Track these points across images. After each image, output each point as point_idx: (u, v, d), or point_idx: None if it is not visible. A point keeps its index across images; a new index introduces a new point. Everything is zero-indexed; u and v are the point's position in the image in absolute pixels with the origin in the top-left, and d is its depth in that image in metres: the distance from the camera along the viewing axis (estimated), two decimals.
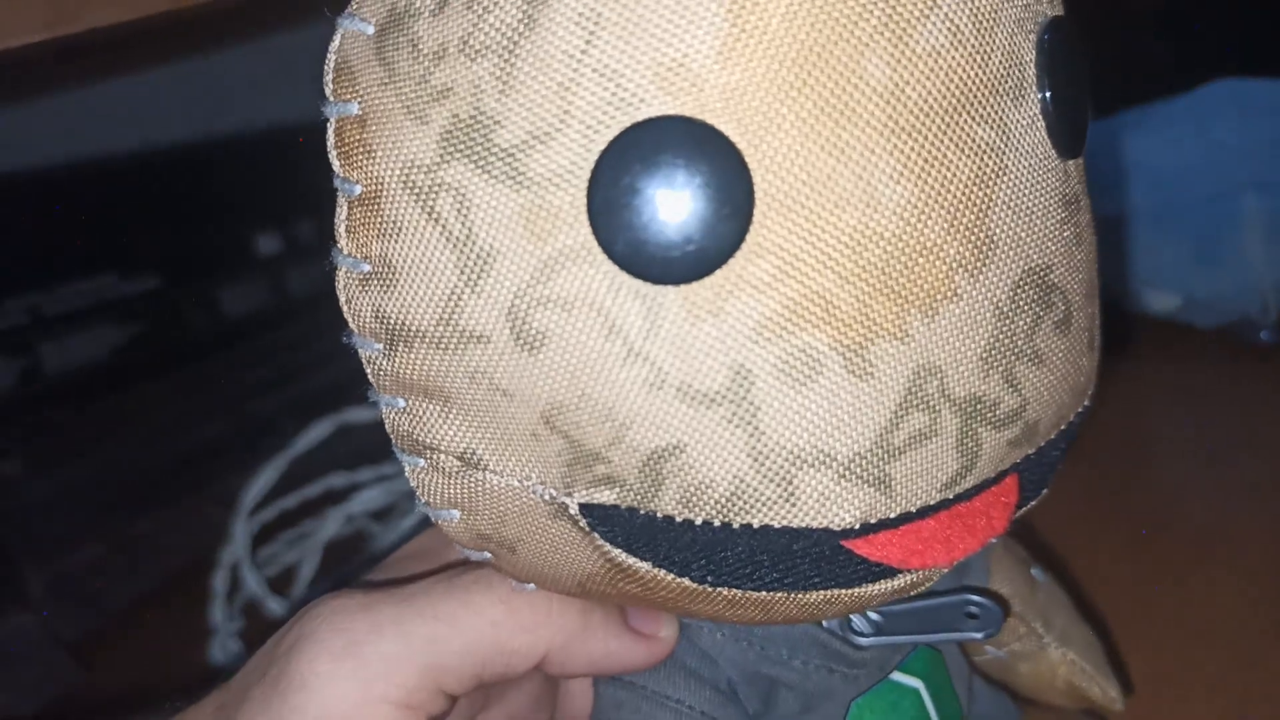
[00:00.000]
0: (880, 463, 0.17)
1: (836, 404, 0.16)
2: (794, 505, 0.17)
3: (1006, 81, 0.17)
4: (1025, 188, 0.17)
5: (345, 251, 0.18)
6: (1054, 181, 0.18)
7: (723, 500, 0.17)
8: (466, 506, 0.19)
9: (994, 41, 0.16)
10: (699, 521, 0.17)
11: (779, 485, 0.17)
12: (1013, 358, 0.17)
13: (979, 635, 0.22)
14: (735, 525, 0.17)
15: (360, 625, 0.20)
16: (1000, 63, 0.17)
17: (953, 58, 0.16)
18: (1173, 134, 0.51)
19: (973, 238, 0.16)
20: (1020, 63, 0.17)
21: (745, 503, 0.17)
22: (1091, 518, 0.40)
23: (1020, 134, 0.17)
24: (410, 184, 0.17)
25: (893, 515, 0.17)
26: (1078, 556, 0.35)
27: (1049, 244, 0.18)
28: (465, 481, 0.19)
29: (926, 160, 0.16)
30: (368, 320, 0.18)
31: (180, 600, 0.41)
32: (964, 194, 0.16)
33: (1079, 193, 0.19)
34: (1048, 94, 0.17)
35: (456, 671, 0.20)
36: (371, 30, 0.17)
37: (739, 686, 0.21)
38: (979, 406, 0.17)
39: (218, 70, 0.51)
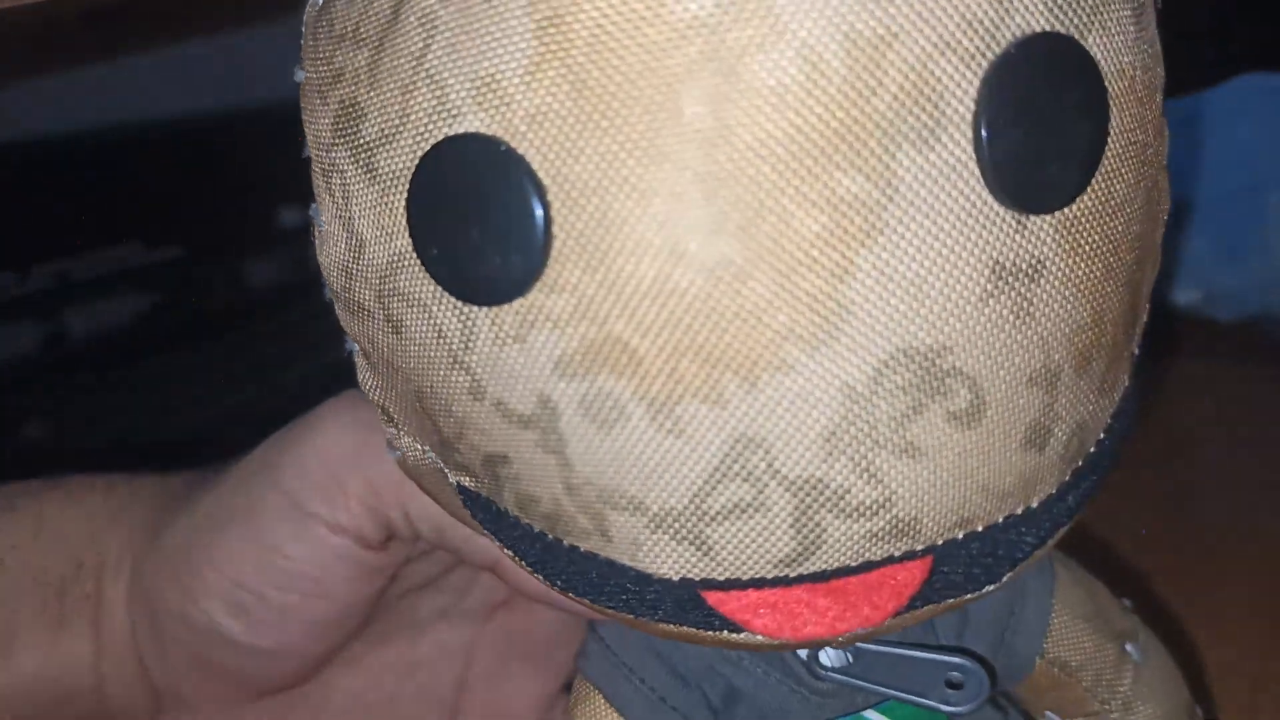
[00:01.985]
0: (695, 524, 0.15)
1: (643, 455, 0.15)
2: (610, 541, 0.16)
3: (904, 118, 0.13)
4: (918, 250, 0.14)
5: (313, 203, 0.18)
6: (980, 244, 0.14)
7: (546, 516, 0.16)
8: (399, 455, 0.20)
9: (884, 72, 0.13)
10: (535, 529, 0.17)
11: (592, 519, 0.16)
12: (870, 446, 0.15)
13: (946, 709, 0.20)
14: (564, 543, 0.17)
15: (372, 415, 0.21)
16: (895, 96, 0.13)
17: (809, 96, 0.13)
18: (1198, 129, 0.51)
19: (814, 306, 0.14)
20: (935, 93, 0.13)
21: (565, 525, 0.16)
22: (1103, 508, 0.40)
23: (920, 184, 0.14)
24: (319, 158, 0.17)
25: (719, 578, 0.16)
26: (1091, 547, 0.35)
27: (951, 321, 0.14)
28: (391, 434, 0.19)
29: (756, 214, 0.13)
30: (323, 270, 0.19)
31: None
32: (806, 255, 0.14)
33: (1044, 256, 0.15)
34: (985, 133, 0.14)
35: (423, 503, 0.21)
36: (320, 3, 0.17)
37: (701, 680, 0.21)
38: (818, 490, 0.15)
39: (249, 42, 0.51)
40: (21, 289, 0.51)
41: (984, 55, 0.14)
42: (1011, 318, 0.15)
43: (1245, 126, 0.50)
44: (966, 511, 0.16)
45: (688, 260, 0.14)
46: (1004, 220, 0.14)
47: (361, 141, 0.16)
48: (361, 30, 0.15)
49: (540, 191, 0.14)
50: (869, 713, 0.21)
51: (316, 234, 0.18)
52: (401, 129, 0.15)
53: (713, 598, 0.16)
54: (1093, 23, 0.15)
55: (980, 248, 0.14)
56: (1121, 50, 0.15)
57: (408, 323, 0.16)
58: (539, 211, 0.14)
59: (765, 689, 0.21)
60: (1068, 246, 0.15)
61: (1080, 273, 0.15)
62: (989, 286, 0.14)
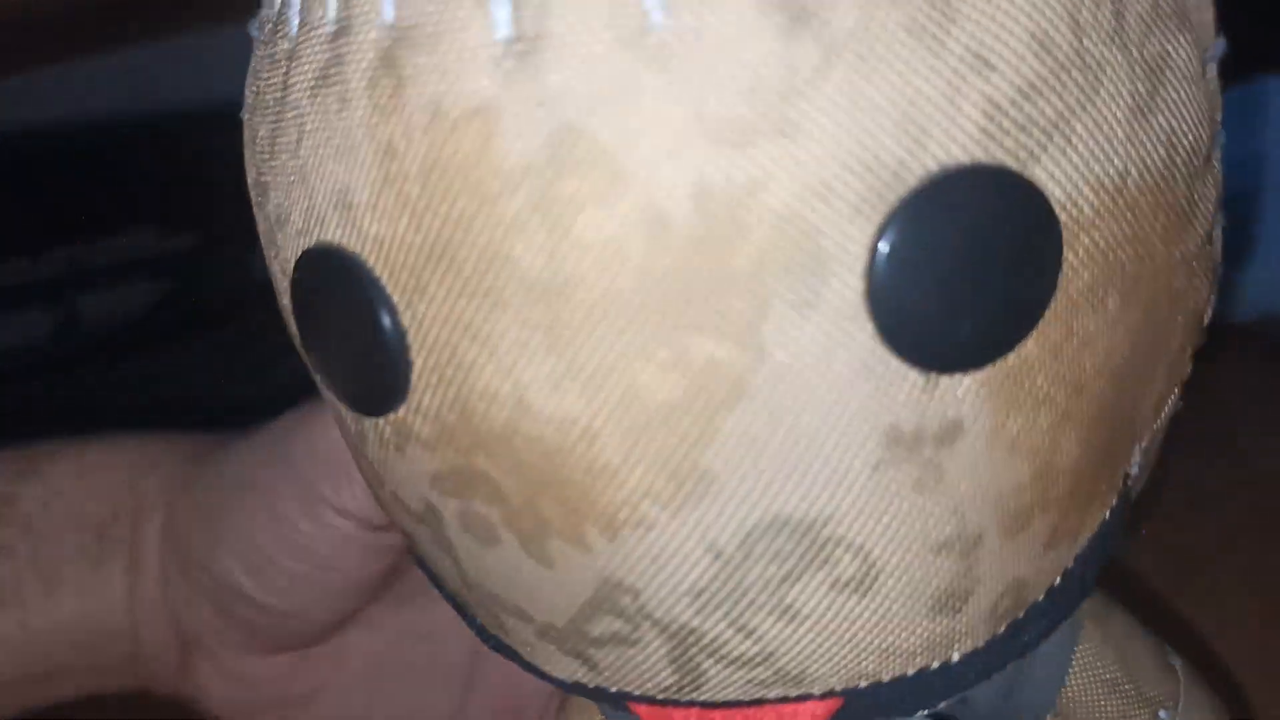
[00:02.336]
0: (579, 645, 0.15)
1: (519, 575, 0.14)
2: (508, 635, 0.16)
3: (773, 274, 0.12)
4: (791, 417, 0.12)
5: None
6: (872, 408, 0.12)
7: (454, 597, 0.16)
8: None
9: (747, 226, 0.11)
10: (447, 596, 0.17)
11: (489, 614, 0.16)
12: (743, 607, 0.14)
13: None
14: (476, 620, 0.17)
15: None
16: (761, 249, 0.12)
17: (654, 252, 0.12)
18: (1264, 115, 0.50)
19: (670, 470, 0.13)
20: (813, 244, 0.12)
21: (470, 610, 0.16)
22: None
23: (795, 344, 0.12)
24: (256, 212, 0.16)
25: (610, 690, 0.15)
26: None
27: (834, 491, 0.13)
28: None
29: (599, 373, 0.12)
30: None
31: None
32: (659, 420, 0.12)
33: (961, 416, 0.13)
34: (879, 289, 0.12)
35: None
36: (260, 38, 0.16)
37: None
38: (694, 638, 0.14)
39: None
40: (34, 274, 0.51)
41: (880, 198, 0.12)
42: (911, 486, 0.13)
43: (1266, 126, 0.49)
44: (864, 668, 0.15)
45: (534, 413, 0.13)
46: (905, 381, 0.12)
47: (268, 215, 0.15)
48: (263, 97, 0.14)
49: (394, 316, 0.13)
50: None
51: None
52: (288, 219, 0.14)
53: (632, 703, 0.16)
54: (1048, 142, 0.12)
55: (872, 411, 0.12)
56: (1095, 164, 0.13)
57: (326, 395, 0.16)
58: (395, 337, 0.13)
59: None
60: (999, 403, 0.13)
61: (1017, 429, 0.13)
62: (883, 454, 0.13)
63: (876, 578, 0.14)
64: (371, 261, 0.13)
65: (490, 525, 0.14)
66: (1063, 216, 0.12)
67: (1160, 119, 0.13)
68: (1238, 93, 0.50)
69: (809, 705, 0.15)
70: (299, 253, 0.14)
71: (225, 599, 0.25)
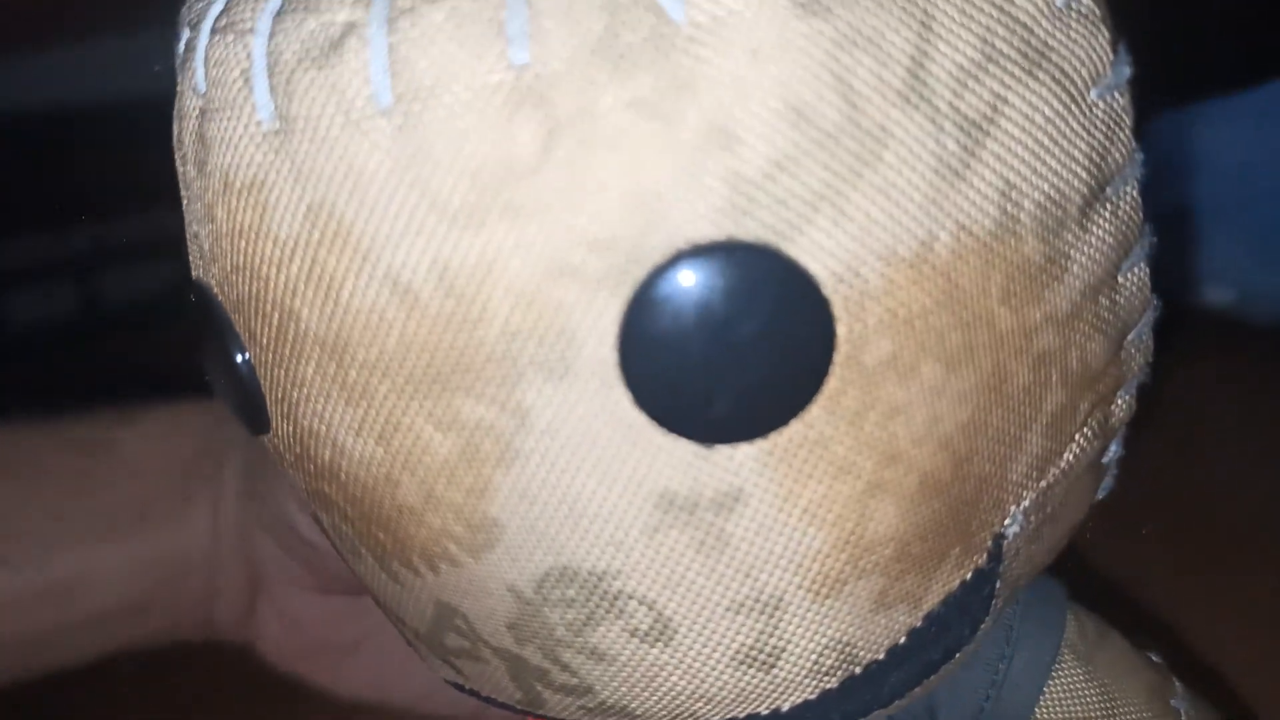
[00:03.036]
0: (440, 651, 0.16)
1: (382, 587, 0.15)
2: (401, 633, 0.17)
3: (525, 346, 0.12)
4: (560, 479, 0.13)
5: None
6: (639, 475, 0.13)
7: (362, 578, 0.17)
8: None
9: (487, 302, 0.12)
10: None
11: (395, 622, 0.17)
12: (553, 644, 0.14)
13: None
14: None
15: None
16: (508, 322, 0.12)
17: (410, 322, 0.12)
18: (1237, 129, 0.50)
19: (462, 517, 0.13)
20: (560, 319, 0.12)
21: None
22: (1134, 507, 0.40)
23: (556, 412, 0.12)
24: None
25: (481, 693, 0.16)
26: (1118, 544, 0.35)
27: (613, 549, 0.13)
28: None
29: (389, 425, 0.13)
30: None
31: None
32: (444, 471, 0.13)
33: (742, 486, 0.13)
34: (629, 368, 0.12)
35: None
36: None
37: None
38: (525, 667, 0.15)
39: None
40: (58, 252, 0.52)
41: (623, 274, 0.12)
42: (694, 549, 0.13)
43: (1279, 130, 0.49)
44: (689, 709, 0.15)
45: (347, 454, 0.13)
46: (675, 450, 0.12)
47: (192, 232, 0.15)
48: (184, 140, 0.15)
49: (244, 354, 0.14)
50: None
51: None
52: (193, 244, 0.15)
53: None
54: (814, 214, 0.12)
55: (642, 478, 0.13)
56: (891, 228, 0.12)
57: None
58: (248, 372, 0.14)
59: None
60: (786, 472, 0.13)
61: (811, 497, 0.13)
62: (658, 517, 0.13)
63: (675, 631, 0.14)
64: (223, 303, 0.14)
65: (351, 542, 0.15)
66: (841, 289, 0.12)
67: (987, 174, 0.12)
68: (1249, 97, 0.50)
69: None
70: (193, 280, 0.15)
71: (284, 535, 0.27)
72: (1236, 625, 0.34)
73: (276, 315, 0.13)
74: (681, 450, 0.12)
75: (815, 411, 0.12)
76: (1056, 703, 0.19)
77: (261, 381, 0.14)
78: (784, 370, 0.12)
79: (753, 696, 0.15)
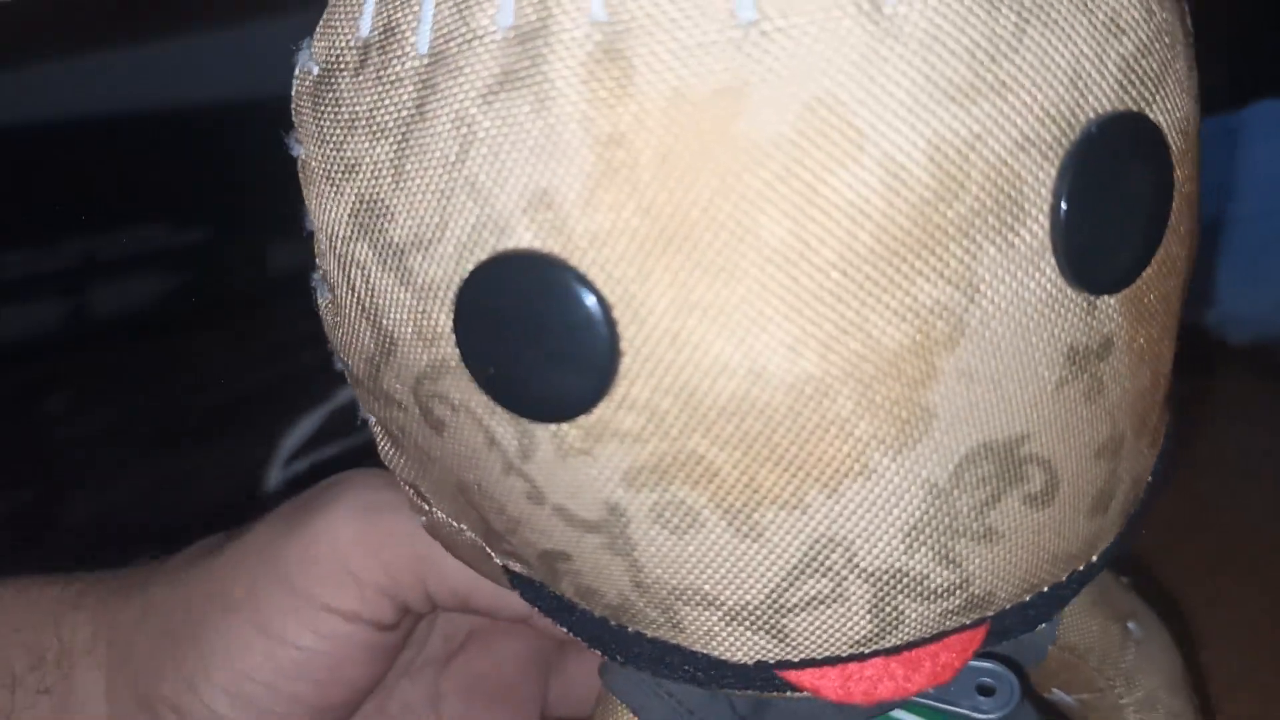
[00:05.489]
0: (773, 616, 0.15)
1: (719, 558, 0.15)
2: (681, 632, 0.16)
3: (986, 216, 0.13)
4: (998, 349, 0.14)
5: (316, 276, 0.17)
6: (1056, 332, 0.14)
7: (612, 608, 0.16)
8: (426, 522, 0.19)
9: (968, 176, 0.13)
10: (596, 614, 0.17)
11: (663, 613, 0.16)
12: (950, 536, 0.15)
13: (984, 716, 0.20)
14: (629, 629, 0.17)
15: (387, 496, 0.22)
16: (978, 196, 0.13)
17: (890, 208, 0.13)
18: (1218, 152, 0.51)
19: (896, 414, 0.14)
20: (1015, 184, 0.13)
21: (633, 617, 0.16)
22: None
23: (1002, 282, 0.13)
24: (333, 249, 0.16)
25: (794, 659, 0.16)
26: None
27: (1029, 411, 0.14)
28: (418, 505, 0.19)
29: (839, 329, 0.13)
30: (332, 345, 0.18)
31: None
32: (890, 366, 0.13)
33: (1112, 333, 0.15)
34: (1064, 208, 0.13)
35: (444, 576, 0.21)
36: (316, 71, 0.16)
37: (733, 695, 0.21)
38: (898, 580, 0.15)
39: (278, 30, 0.52)
40: (46, 265, 0.52)
41: (1060, 145, 0.13)
42: (1084, 398, 0.15)
43: (1262, 152, 0.50)
44: (1036, 579, 0.16)
45: (768, 378, 0.13)
46: (1077, 305, 0.14)
47: (390, 243, 0.15)
48: (378, 119, 0.14)
49: (606, 311, 0.13)
50: (898, 712, 0.21)
51: (325, 307, 0.17)
52: (440, 237, 0.14)
53: (786, 674, 0.16)
54: (1158, 91, 0.14)
55: (1056, 335, 0.14)
56: (1181, 107, 0.15)
57: (453, 425, 0.15)
58: (605, 332, 0.13)
59: (797, 701, 0.20)
60: (1133, 318, 0.15)
61: (1143, 340, 0.15)
62: (1064, 372, 0.14)
63: (1058, 487, 0.15)
64: (577, 259, 0.13)
65: (692, 510, 0.14)
66: (1175, 144, 0.15)
67: (1197, 76, 0.15)
68: (1231, 120, 0.51)
69: (973, 631, 0.16)
70: (468, 268, 0.14)
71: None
72: (1222, 636, 0.34)
73: (710, 236, 0.13)
74: (1080, 304, 0.14)
75: (1154, 261, 0.15)
76: (1079, 613, 0.22)
77: (624, 338, 0.13)
78: (1153, 224, 0.15)
79: (1087, 547, 0.17)
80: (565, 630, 0.18)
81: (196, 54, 0.51)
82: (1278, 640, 0.34)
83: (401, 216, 0.14)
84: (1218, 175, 0.50)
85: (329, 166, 0.15)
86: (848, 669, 0.16)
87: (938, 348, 0.13)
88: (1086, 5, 0.13)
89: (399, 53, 0.14)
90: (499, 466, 0.15)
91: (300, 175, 0.16)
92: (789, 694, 0.17)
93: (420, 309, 0.15)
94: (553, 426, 0.14)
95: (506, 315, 0.14)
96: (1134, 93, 0.14)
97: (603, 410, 0.14)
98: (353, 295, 0.16)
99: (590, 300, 0.13)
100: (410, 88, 0.14)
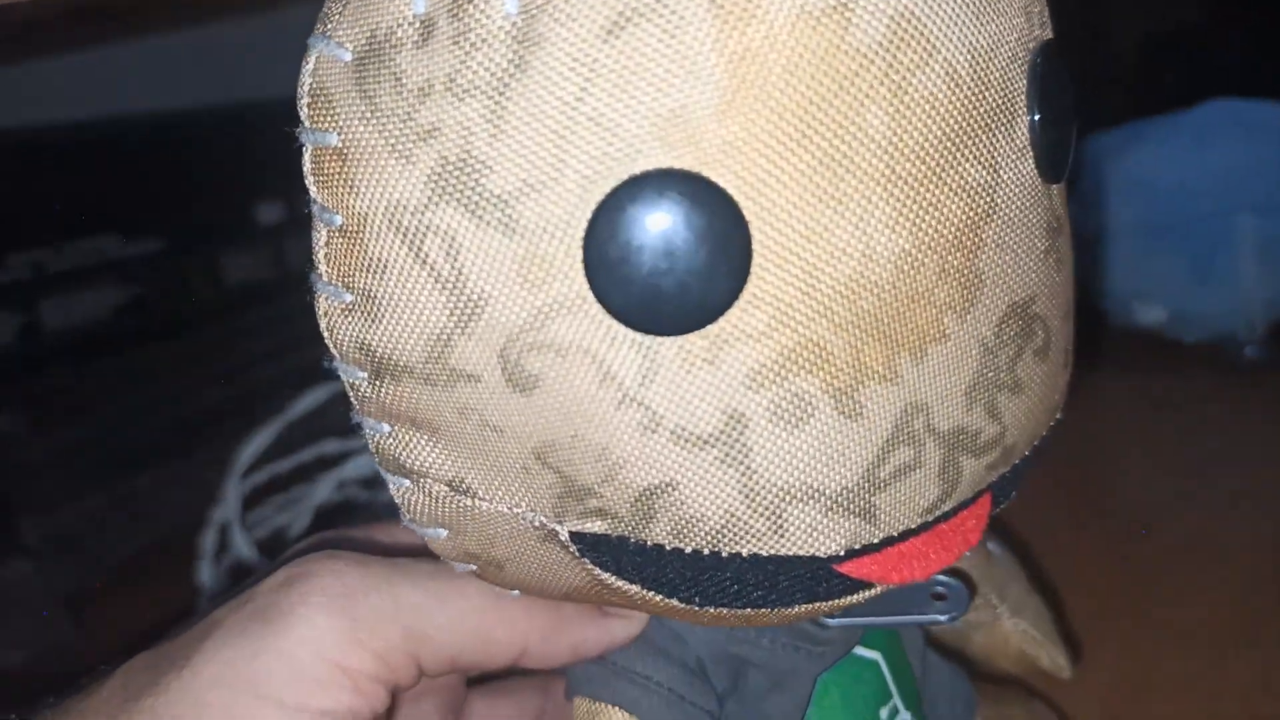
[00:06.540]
0: (866, 495, 0.17)
1: (826, 444, 0.16)
2: (783, 537, 0.17)
3: (999, 115, 0.16)
4: (1013, 222, 0.17)
5: (326, 279, 0.17)
6: (1040, 211, 0.17)
7: (713, 532, 0.17)
8: (454, 527, 0.19)
9: (989, 78, 0.16)
10: (689, 550, 0.17)
11: (769, 519, 0.17)
12: (994, 389, 0.17)
13: (944, 618, 0.22)
14: (724, 554, 0.17)
15: (355, 577, 0.20)
16: (994, 98, 0.16)
17: (949, 101, 0.16)
18: (1170, 150, 0.51)
19: (962, 280, 0.16)
20: (1012, 93, 0.17)
21: (736, 534, 0.17)
22: (1070, 523, 0.40)
23: (1009, 168, 0.17)
24: (397, 224, 0.16)
25: (876, 540, 0.17)
26: (1055, 561, 0.36)
27: (1033, 275, 0.17)
28: (453, 505, 0.18)
29: (921, 207, 0.16)
30: (350, 349, 0.18)
31: (172, 558, 0.42)
32: (955, 237, 0.16)
33: (1062, 216, 0.19)
34: (1036, 118, 0.17)
35: (435, 645, 0.20)
36: (349, 57, 0.16)
37: (707, 665, 0.22)
38: (961, 437, 0.17)
39: (227, 37, 0.51)
40: None
41: (1026, 63, 0.17)
42: (1056, 266, 0.18)
43: (1214, 151, 0.50)
44: (1038, 429, 0.19)
45: (876, 256, 0.15)
46: (1045, 191, 0.18)
47: (488, 194, 0.15)
48: (462, 80, 0.15)
49: (739, 216, 0.15)
50: (858, 648, 0.23)
51: (342, 307, 0.17)
52: (558, 177, 0.15)
53: (848, 566, 0.18)
54: (1047, 22, 0.18)
55: (1040, 214, 0.17)
56: (1050, 31, 0.18)
57: (552, 375, 0.16)
58: (735, 235, 0.15)
59: (776, 658, 0.22)
60: (1064, 204, 0.19)
61: (1069, 228, 0.19)
62: (1046, 243, 0.18)
63: (1050, 342, 0.18)
64: (711, 169, 0.15)
65: (807, 399, 0.16)
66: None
67: None
68: (1183, 119, 0.52)
69: (982, 501, 0.19)
70: (596, 199, 0.15)
71: None
72: (1171, 639, 0.35)
73: (829, 132, 0.15)
74: (1046, 192, 0.18)
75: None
76: None
77: (755, 237, 0.15)
78: (1072, 117, 0.18)
79: (1061, 399, 0.20)
80: (638, 588, 0.18)
81: (148, 61, 0.51)
82: (1240, 645, 0.35)
83: (504, 166, 0.15)
84: (1174, 176, 0.51)
85: (394, 139, 0.16)
86: (889, 555, 0.18)
87: (982, 220, 0.16)
88: None
89: (480, 17, 0.15)
90: (611, 402, 0.16)
91: (328, 164, 0.16)
92: (819, 604, 0.18)
93: (531, 253, 0.15)
94: (680, 339, 0.15)
95: (643, 236, 0.15)
96: (1040, 22, 0.18)
97: (732, 313, 0.15)
98: (423, 267, 0.16)
99: (726, 206, 0.15)
100: (502, 46, 0.15)
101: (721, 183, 0.15)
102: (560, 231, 0.15)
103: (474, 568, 0.20)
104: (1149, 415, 0.49)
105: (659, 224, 0.15)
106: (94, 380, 0.48)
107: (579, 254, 0.15)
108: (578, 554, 0.18)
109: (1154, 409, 0.49)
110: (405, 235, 0.16)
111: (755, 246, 0.15)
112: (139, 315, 0.51)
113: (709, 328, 0.15)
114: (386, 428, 0.18)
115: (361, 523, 0.25)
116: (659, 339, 0.15)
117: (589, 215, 0.15)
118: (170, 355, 0.50)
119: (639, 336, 0.15)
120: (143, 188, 0.52)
